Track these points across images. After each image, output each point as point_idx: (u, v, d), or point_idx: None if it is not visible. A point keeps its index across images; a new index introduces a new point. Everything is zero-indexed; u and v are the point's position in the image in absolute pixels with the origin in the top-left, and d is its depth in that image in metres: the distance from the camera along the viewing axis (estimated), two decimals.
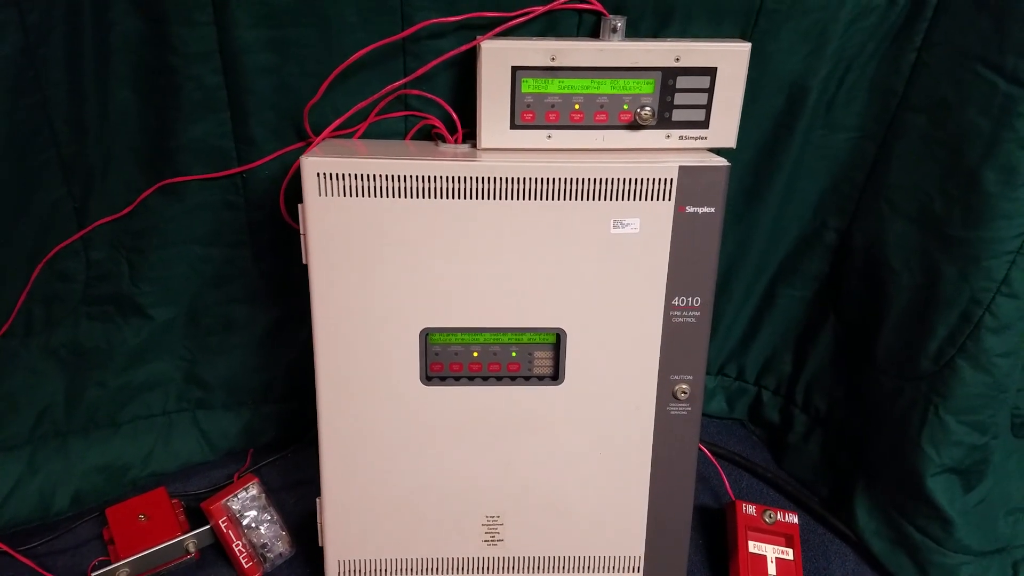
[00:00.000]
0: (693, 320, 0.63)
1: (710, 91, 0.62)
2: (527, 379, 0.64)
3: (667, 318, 0.62)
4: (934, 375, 0.68)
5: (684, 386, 0.64)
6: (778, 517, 0.73)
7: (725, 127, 0.63)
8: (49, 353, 0.73)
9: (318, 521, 0.67)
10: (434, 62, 0.63)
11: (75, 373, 0.75)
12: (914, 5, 0.63)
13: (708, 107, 0.62)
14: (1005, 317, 0.63)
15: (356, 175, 0.57)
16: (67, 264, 0.70)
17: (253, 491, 0.74)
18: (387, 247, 0.59)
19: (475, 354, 0.64)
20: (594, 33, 0.63)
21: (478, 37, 0.61)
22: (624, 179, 0.58)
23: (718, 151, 0.63)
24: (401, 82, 0.65)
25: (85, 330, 0.74)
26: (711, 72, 0.61)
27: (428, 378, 0.63)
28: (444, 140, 0.66)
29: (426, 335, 0.62)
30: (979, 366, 0.65)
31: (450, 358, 0.64)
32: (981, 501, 0.71)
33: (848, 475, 0.79)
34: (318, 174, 0.57)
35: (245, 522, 0.72)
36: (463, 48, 0.62)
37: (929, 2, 0.62)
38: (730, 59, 0.61)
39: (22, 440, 0.74)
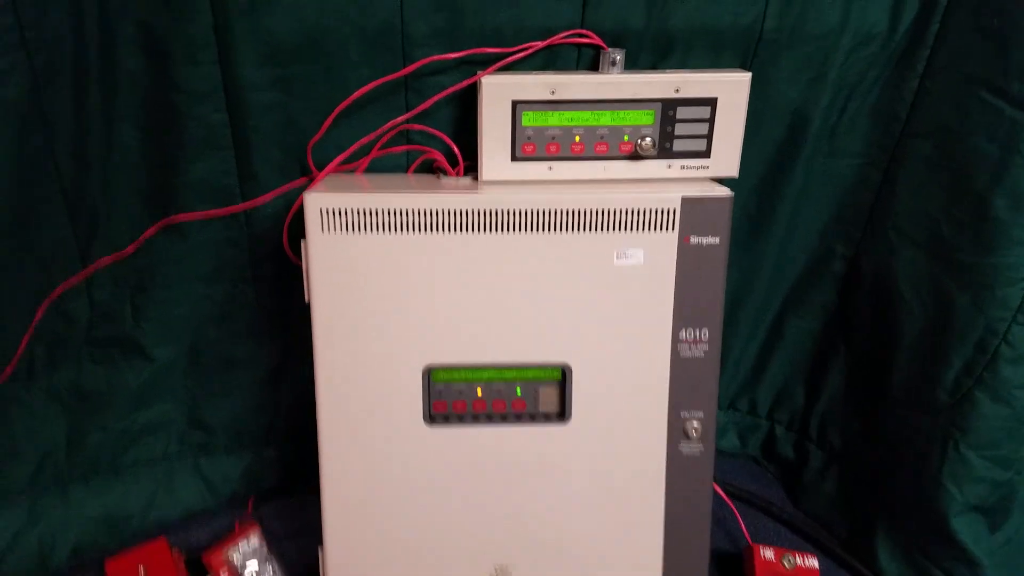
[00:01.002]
0: (702, 354, 0.61)
1: (711, 121, 0.61)
2: (533, 417, 0.63)
3: (675, 352, 0.61)
4: (952, 408, 0.66)
5: (695, 423, 0.62)
6: (798, 561, 0.70)
7: (727, 156, 0.63)
8: (51, 397, 0.72)
9: (320, 572, 0.65)
10: (436, 97, 0.64)
11: (77, 417, 0.74)
12: (916, 31, 0.63)
13: (709, 137, 0.62)
14: (1023, 347, 0.61)
15: (358, 210, 0.57)
16: (71, 305, 0.69)
17: (255, 541, 0.72)
18: (390, 282, 0.59)
19: (479, 392, 0.63)
20: (593, 66, 0.64)
21: (479, 72, 0.61)
22: (627, 210, 0.58)
23: (721, 180, 0.62)
24: (403, 117, 0.65)
25: (87, 372, 0.73)
26: (711, 102, 0.61)
27: (431, 418, 0.62)
28: (446, 173, 0.66)
29: (429, 373, 0.61)
30: (998, 398, 0.63)
31: (453, 396, 0.62)
32: (1008, 541, 0.68)
33: (868, 514, 0.76)
34: (321, 210, 0.57)
35: (246, 573, 0.70)
36: (464, 83, 0.63)
37: (931, 28, 0.62)
38: (730, 89, 0.60)
39: (22, 487, 0.73)
